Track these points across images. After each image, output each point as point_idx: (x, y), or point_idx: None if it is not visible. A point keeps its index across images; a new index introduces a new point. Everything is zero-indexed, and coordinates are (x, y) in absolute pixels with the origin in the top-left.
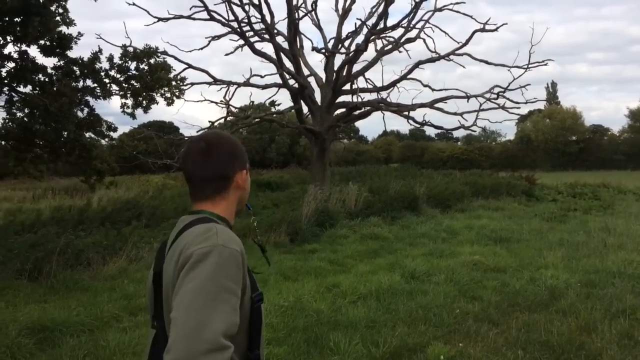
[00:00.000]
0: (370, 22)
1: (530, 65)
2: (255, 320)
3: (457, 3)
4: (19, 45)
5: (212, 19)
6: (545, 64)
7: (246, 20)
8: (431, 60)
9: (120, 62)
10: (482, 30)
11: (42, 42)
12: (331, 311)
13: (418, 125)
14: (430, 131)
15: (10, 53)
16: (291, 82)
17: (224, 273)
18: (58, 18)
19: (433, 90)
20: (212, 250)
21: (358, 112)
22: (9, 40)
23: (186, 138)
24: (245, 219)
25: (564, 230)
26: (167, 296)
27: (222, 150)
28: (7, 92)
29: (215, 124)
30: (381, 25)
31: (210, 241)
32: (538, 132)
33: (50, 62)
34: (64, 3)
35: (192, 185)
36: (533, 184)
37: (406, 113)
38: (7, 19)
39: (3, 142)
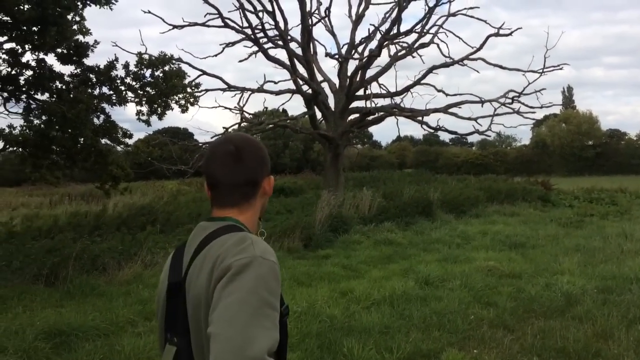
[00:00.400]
0: (383, 28)
1: (545, 70)
2: (282, 334)
3: (471, 8)
4: (36, 53)
5: (226, 25)
6: (561, 68)
7: (260, 27)
8: (445, 65)
9: (135, 70)
10: (497, 34)
11: (59, 50)
12: (345, 317)
13: (432, 130)
14: (444, 136)
15: (28, 61)
16: (305, 88)
17: (265, 286)
18: (75, 27)
19: (447, 95)
20: (251, 261)
21: (372, 117)
22: (27, 48)
23: (200, 144)
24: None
25: (580, 236)
26: (197, 309)
27: (253, 154)
28: (25, 100)
29: (229, 129)
30: (395, 30)
31: (248, 252)
32: (554, 137)
33: (67, 69)
34: (80, 12)
35: (218, 190)
36: (549, 189)
37: (420, 118)
38: (25, 28)
39: (20, 149)
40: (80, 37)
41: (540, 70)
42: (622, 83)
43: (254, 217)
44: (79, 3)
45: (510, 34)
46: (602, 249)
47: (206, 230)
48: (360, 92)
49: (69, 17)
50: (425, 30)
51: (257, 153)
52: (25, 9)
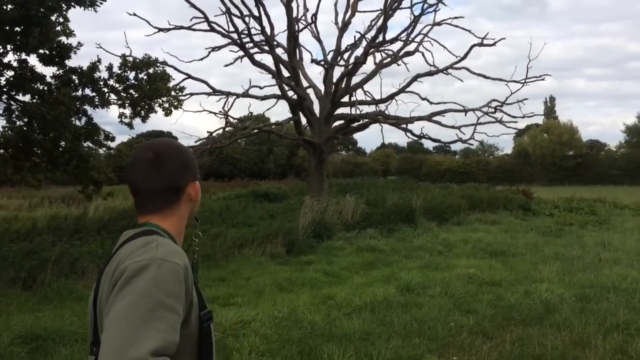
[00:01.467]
0: (369, 35)
1: (527, 80)
2: (204, 340)
3: (455, 17)
4: (18, 54)
5: (212, 30)
6: (543, 79)
7: (246, 32)
8: (430, 73)
9: (119, 72)
10: (480, 44)
11: (41, 51)
12: (326, 323)
13: (416, 138)
14: (428, 144)
15: (10, 62)
16: (290, 93)
17: (162, 288)
18: (58, 28)
19: (431, 103)
20: (149, 263)
21: (356, 124)
22: (9, 49)
23: None
24: (213, 229)
25: (559, 245)
26: (102, 317)
27: (174, 160)
28: (5, 101)
29: (214, 134)
30: (380, 38)
31: (149, 254)
32: (535, 147)
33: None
34: (64, 13)
35: (139, 198)
36: (530, 198)
37: (404, 126)
38: (7, 28)
39: (2, 151)
40: (63, 39)
41: (523, 81)
42: (603, 94)
43: (179, 223)
44: (63, 4)
45: (494, 44)
46: (581, 257)
47: (126, 236)
48: (346, 99)
49: (53, 18)
50: (410, 39)
51: (179, 158)
52: (9, 8)
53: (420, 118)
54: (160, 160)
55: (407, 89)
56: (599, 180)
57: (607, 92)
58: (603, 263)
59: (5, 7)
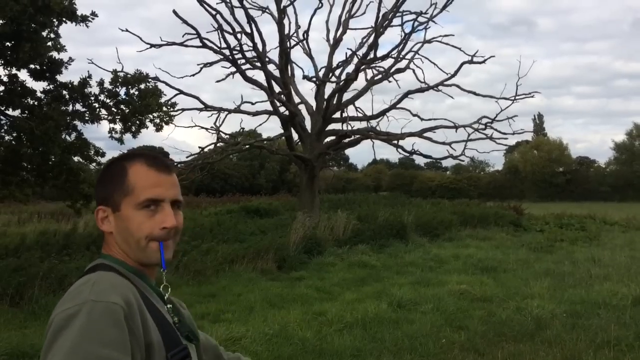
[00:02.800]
0: (360, 52)
1: (517, 97)
2: None
3: (446, 35)
4: (9, 68)
5: (204, 46)
6: (532, 96)
7: (238, 48)
8: (420, 90)
9: (110, 87)
10: (470, 62)
11: (32, 66)
12: (317, 339)
13: (407, 154)
14: (419, 160)
15: (0, 77)
16: (282, 109)
17: (95, 338)
18: (49, 44)
19: (422, 119)
20: (78, 310)
21: (348, 140)
22: None
23: (176, 163)
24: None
25: (550, 261)
26: None
27: (98, 177)
28: None
29: (206, 149)
30: (371, 55)
31: (79, 298)
32: (525, 163)
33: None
34: (55, 29)
35: None
36: (520, 214)
37: (395, 142)
38: None
39: None
40: (54, 54)
41: (513, 98)
42: (592, 112)
43: (118, 242)
44: (54, 20)
45: (484, 61)
46: (572, 273)
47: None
48: (337, 115)
49: (44, 33)
50: (401, 56)
51: (99, 176)
52: (0, 23)
53: (411, 134)
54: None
55: (398, 106)
56: (589, 196)
57: (595, 109)
58: (593, 279)
59: None
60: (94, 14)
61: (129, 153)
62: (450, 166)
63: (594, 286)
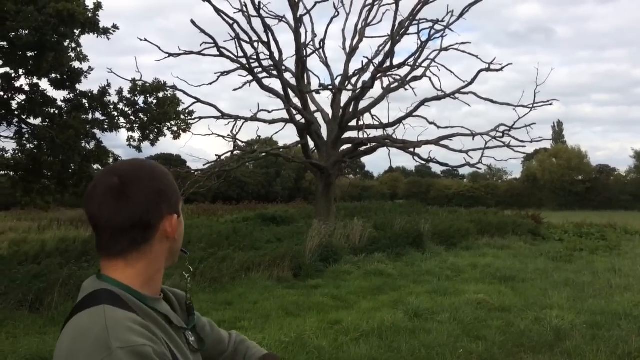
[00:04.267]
0: (377, 60)
1: (535, 105)
2: None
3: (462, 43)
4: (30, 78)
5: (221, 55)
6: (550, 104)
7: (255, 57)
8: (437, 98)
9: (129, 96)
10: (488, 69)
11: (53, 75)
12: (333, 348)
13: (424, 162)
14: (436, 168)
15: (21, 86)
16: (298, 117)
17: None
18: (72, 54)
19: (439, 127)
20: None
21: (364, 148)
22: (20, 73)
23: (193, 171)
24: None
25: (569, 270)
26: None
27: (143, 188)
28: (17, 124)
29: (222, 157)
30: (388, 63)
31: (99, 346)
32: (544, 171)
33: (60, 95)
34: (76, 39)
35: (99, 235)
36: (539, 223)
37: (412, 150)
38: (20, 53)
39: (12, 173)
40: (75, 64)
41: (531, 105)
42: (611, 120)
43: (148, 268)
44: (77, 30)
45: (501, 69)
46: (592, 283)
47: (80, 298)
48: (353, 123)
49: (66, 43)
50: (417, 64)
51: (151, 186)
52: (24, 34)
53: (427, 142)
54: (125, 188)
55: (415, 113)
56: (609, 205)
57: (614, 117)
58: (614, 289)
59: (20, 32)
60: (115, 27)
61: (148, 160)
62: (467, 174)
63: (614, 296)
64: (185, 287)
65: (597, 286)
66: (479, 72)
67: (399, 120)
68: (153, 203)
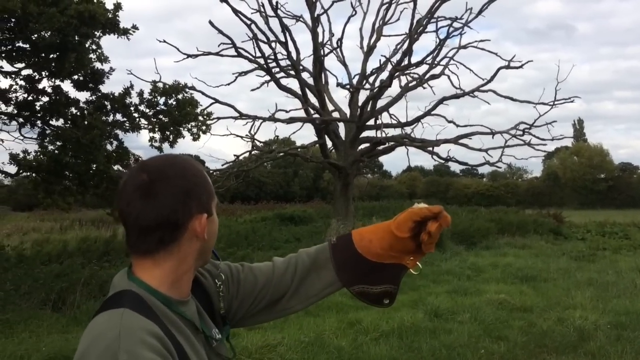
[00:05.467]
0: (394, 59)
1: (556, 102)
2: None
3: (481, 41)
4: (53, 80)
5: (239, 55)
6: (572, 101)
7: (272, 57)
8: (455, 96)
9: (149, 97)
10: (507, 67)
11: (75, 77)
12: (352, 348)
13: (442, 161)
14: (455, 167)
15: (44, 87)
16: (316, 116)
17: None
18: (93, 55)
19: (457, 126)
20: None
21: (382, 147)
22: (43, 75)
23: (212, 171)
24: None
25: (592, 270)
26: None
27: (172, 186)
28: (40, 126)
29: (241, 157)
30: (405, 62)
31: (108, 355)
32: (565, 169)
33: (82, 96)
34: (97, 40)
35: (128, 233)
36: (561, 222)
37: (430, 149)
38: (43, 55)
39: (34, 174)
40: (97, 65)
41: (551, 103)
42: (634, 117)
43: (177, 269)
44: (98, 32)
45: (521, 66)
46: (615, 283)
47: (110, 293)
48: (371, 122)
49: (87, 44)
50: (436, 62)
51: (180, 185)
52: (46, 35)
53: (446, 141)
54: (154, 186)
55: (433, 112)
56: (632, 203)
57: (637, 114)
58: (639, 289)
59: (43, 34)
60: (135, 27)
61: (183, 156)
62: (487, 173)
63: (639, 296)
64: (219, 295)
65: (621, 286)
66: (498, 69)
67: (418, 119)
68: (181, 202)
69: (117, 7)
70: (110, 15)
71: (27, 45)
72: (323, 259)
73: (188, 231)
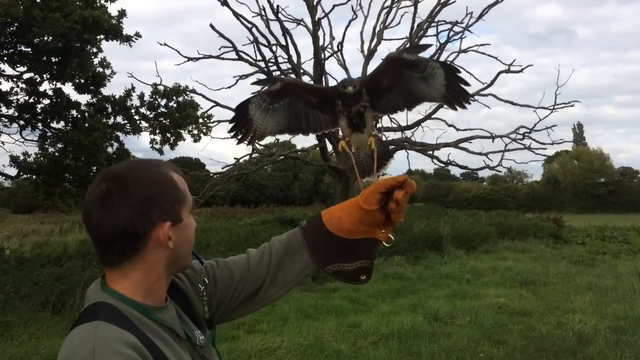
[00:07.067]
0: None
1: (556, 106)
2: None
3: (482, 45)
4: (54, 83)
5: (240, 58)
6: (572, 106)
7: (273, 60)
8: None
9: (150, 100)
10: (507, 71)
11: (76, 80)
12: (352, 352)
13: (443, 165)
14: (455, 171)
15: (45, 90)
16: None
17: None
18: (95, 60)
19: (458, 130)
20: None
21: None
22: (45, 78)
23: (211, 174)
24: None
25: (592, 274)
26: None
27: (129, 195)
28: (40, 128)
29: (241, 160)
30: None
31: None
32: (565, 174)
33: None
34: (99, 44)
35: (95, 245)
36: (561, 226)
37: (430, 152)
38: (45, 58)
39: (34, 177)
40: (99, 68)
41: (551, 107)
42: (634, 121)
43: (146, 280)
44: (101, 37)
45: (521, 70)
46: (615, 288)
47: (85, 306)
48: None
49: (89, 49)
50: None
51: (137, 192)
52: (49, 40)
53: (446, 145)
54: (111, 196)
55: (434, 116)
56: (632, 208)
57: (637, 119)
58: (638, 294)
59: (45, 38)
60: (137, 35)
61: (152, 161)
62: (487, 177)
63: (638, 301)
64: (202, 300)
65: (620, 290)
66: (498, 73)
67: (418, 123)
68: (138, 212)
69: (122, 13)
70: (114, 22)
71: (29, 49)
72: (296, 243)
73: (152, 240)
